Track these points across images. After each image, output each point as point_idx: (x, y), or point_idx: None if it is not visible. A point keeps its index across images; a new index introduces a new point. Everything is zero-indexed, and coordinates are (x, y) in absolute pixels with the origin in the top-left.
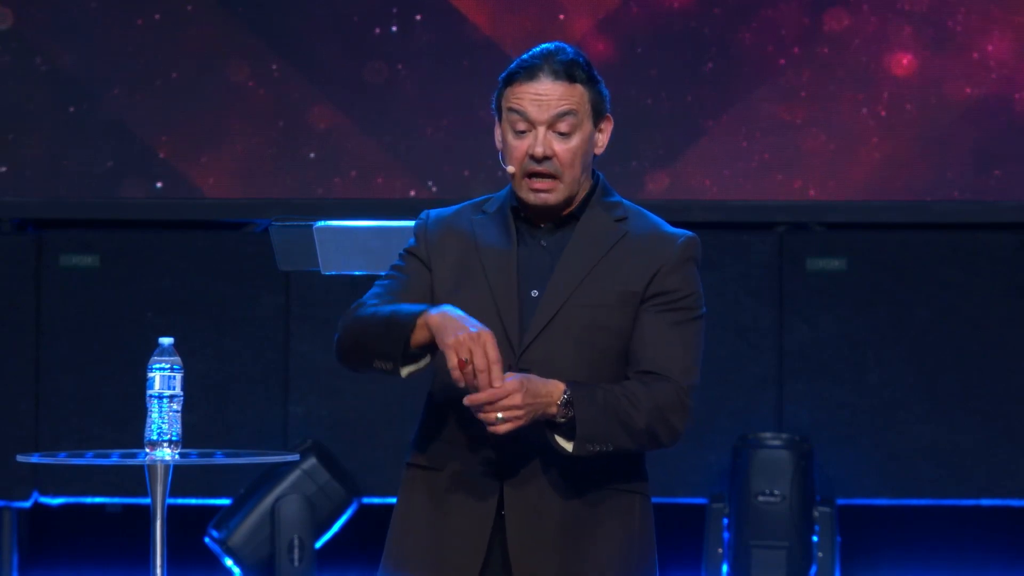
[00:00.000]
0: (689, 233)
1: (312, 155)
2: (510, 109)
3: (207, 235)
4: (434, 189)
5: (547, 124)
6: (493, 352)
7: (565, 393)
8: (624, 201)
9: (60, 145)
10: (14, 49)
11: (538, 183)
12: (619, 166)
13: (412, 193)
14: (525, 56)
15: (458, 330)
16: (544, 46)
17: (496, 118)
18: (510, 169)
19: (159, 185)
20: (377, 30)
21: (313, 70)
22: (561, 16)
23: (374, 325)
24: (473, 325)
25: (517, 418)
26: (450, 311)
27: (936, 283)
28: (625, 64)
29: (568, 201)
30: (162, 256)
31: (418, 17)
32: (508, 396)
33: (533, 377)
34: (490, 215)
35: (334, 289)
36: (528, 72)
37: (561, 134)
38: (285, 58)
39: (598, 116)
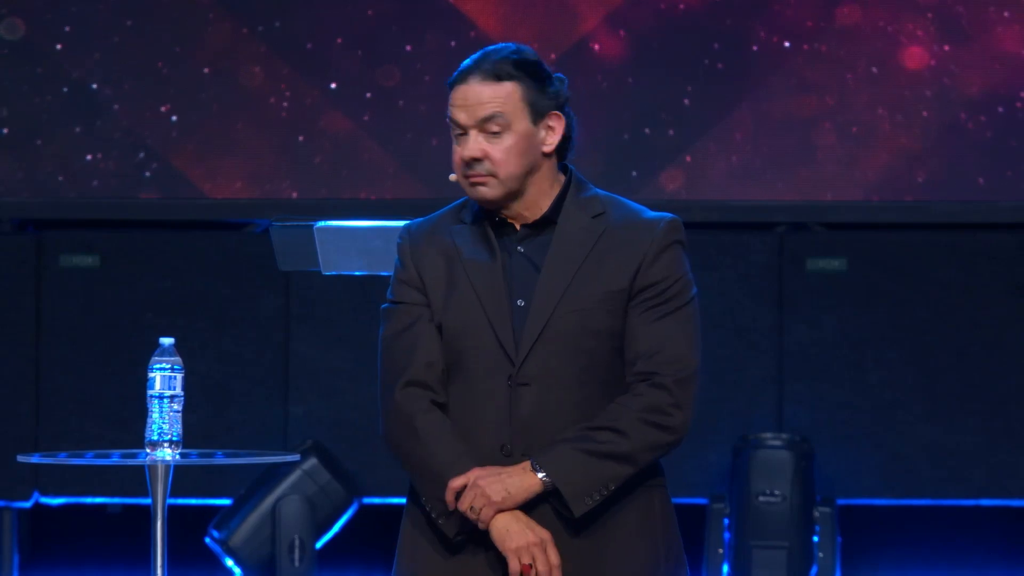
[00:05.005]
0: (669, 216)
1: (317, 159)
2: (448, 118)
3: (207, 235)
4: (437, 192)
5: (476, 127)
6: (555, 557)
7: (533, 467)
8: (600, 192)
9: (65, 147)
10: (24, 57)
11: (474, 177)
12: (621, 164)
13: (416, 194)
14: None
15: (520, 535)
16: (486, 48)
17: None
18: (452, 178)
19: (161, 187)
20: (386, 35)
21: (322, 75)
22: (569, 18)
23: (420, 470)
24: (532, 528)
25: (488, 501)
26: (511, 519)
27: (936, 283)
28: (631, 63)
29: (512, 195)
30: (162, 256)
31: (427, 22)
32: (471, 490)
33: (493, 468)
34: (468, 225)
35: (334, 289)
36: (460, 76)
37: (492, 134)
38: (294, 63)
39: (537, 113)
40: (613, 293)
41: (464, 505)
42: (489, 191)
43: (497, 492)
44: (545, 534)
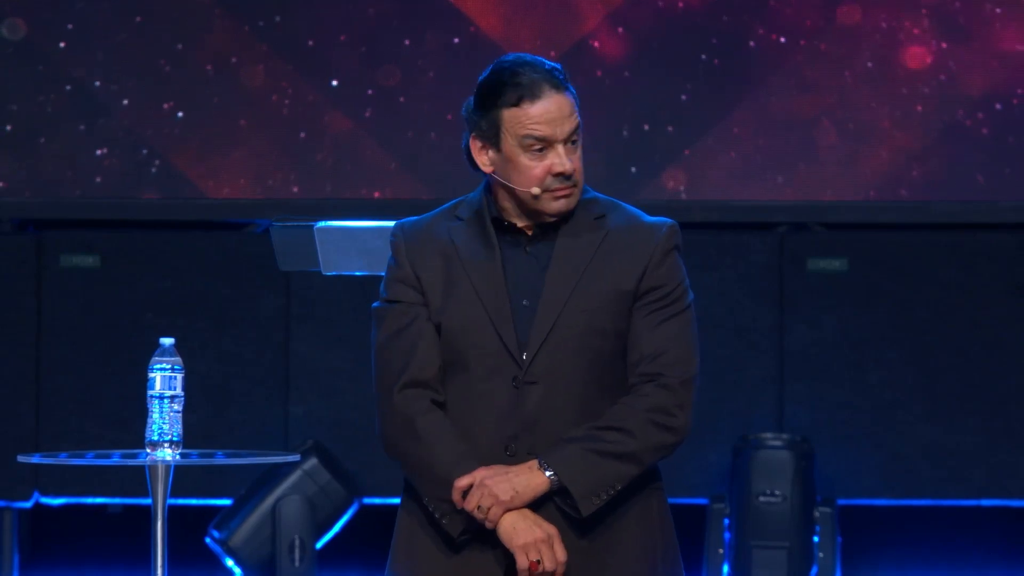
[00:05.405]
0: (669, 221)
1: (318, 158)
2: (525, 135)
3: (208, 235)
4: (438, 192)
5: (563, 141)
6: (561, 553)
7: (541, 465)
8: (598, 195)
9: (68, 146)
10: (26, 56)
11: (562, 191)
12: (621, 164)
13: (417, 194)
14: (507, 73)
15: (527, 532)
16: (520, 59)
17: (477, 137)
18: (534, 191)
19: (162, 185)
20: (388, 34)
21: (323, 73)
22: (570, 17)
23: (422, 470)
24: (539, 524)
25: (496, 501)
26: (518, 517)
27: (936, 283)
28: (632, 63)
29: None
30: (162, 256)
31: (427, 21)
32: (478, 490)
33: (499, 467)
34: (466, 221)
35: (334, 289)
36: (532, 91)
37: (573, 144)
38: (295, 61)
39: None
40: (620, 294)
41: (471, 505)
42: (572, 202)
43: (505, 491)
44: (552, 529)
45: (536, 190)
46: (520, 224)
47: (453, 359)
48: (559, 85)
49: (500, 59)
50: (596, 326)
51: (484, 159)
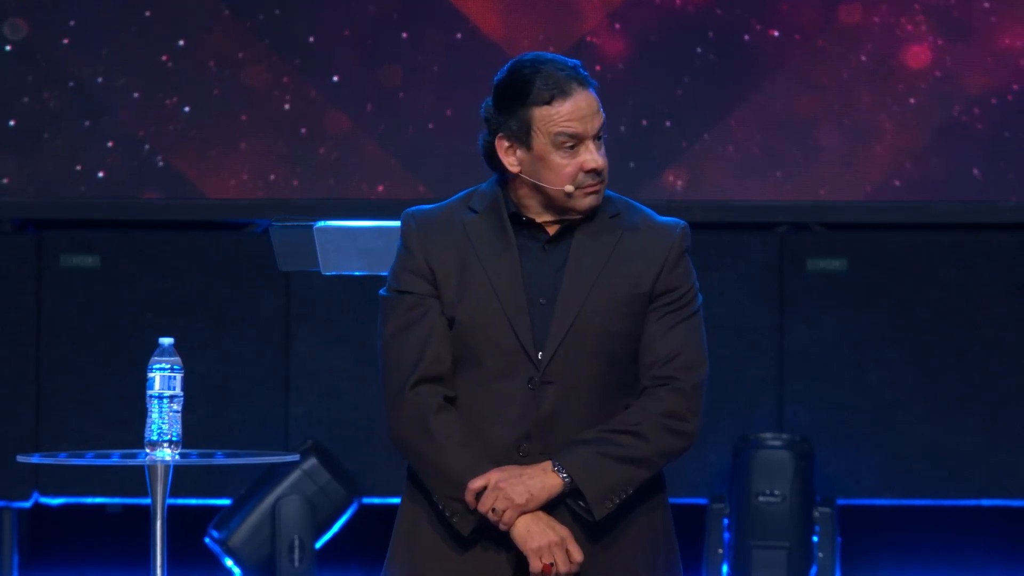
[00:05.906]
0: (681, 222)
1: (319, 156)
2: (558, 132)
3: (207, 235)
4: (440, 192)
5: (592, 137)
6: (577, 554)
7: (555, 467)
8: (611, 193)
9: (68, 144)
10: (28, 54)
11: (592, 187)
12: (622, 164)
13: (417, 193)
14: (533, 71)
15: (541, 535)
16: (540, 57)
17: (504, 138)
18: (568, 189)
19: (163, 183)
20: (389, 33)
21: (323, 72)
22: (571, 17)
23: (434, 470)
24: (552, 526)
25: (511, 504)
26: (532, 520)
27: (936, 283)
28: (632, 62)
29: None
30: (162, 256)
31: (428, 20)
32: (492, 492)
33: (512, 469)
34: (481, 215)
35: (334, 289)
36: (562, 89)
37: (599, 139)
38: (296, 59)
39: None
40: (636, 296)
41: (485, 507)
42: (600, 198)
43: (520, 494)
44: (565, 532)
45: (570, 188)
46: (540, 220)
47: (465, 355)
48: (585, 82)
49: (518, 59)
50: (611, 327)
51: (512, 159)
